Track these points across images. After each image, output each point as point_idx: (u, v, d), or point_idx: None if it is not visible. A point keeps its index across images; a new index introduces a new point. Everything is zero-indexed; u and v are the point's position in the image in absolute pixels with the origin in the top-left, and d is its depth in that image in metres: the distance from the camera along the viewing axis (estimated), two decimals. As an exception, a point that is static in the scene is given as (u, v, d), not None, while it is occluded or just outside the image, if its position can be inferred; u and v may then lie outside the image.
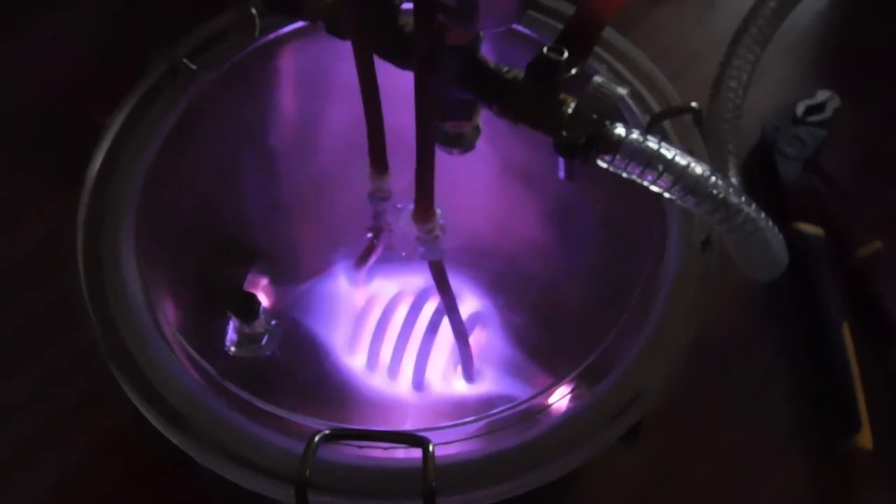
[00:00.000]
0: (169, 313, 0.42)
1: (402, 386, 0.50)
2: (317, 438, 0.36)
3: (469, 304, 0.52)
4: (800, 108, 0.64)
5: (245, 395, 0.39)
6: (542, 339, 0.50)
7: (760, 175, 0.63)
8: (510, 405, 0.39)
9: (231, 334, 0.45)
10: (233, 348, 0.45)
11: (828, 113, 0.64)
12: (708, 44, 0.68)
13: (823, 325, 0.57)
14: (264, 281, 0.52)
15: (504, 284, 0.52)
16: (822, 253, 0.60)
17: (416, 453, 0.36)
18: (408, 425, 0.50)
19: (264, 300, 0.52)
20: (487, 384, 0.50)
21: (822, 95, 0.65)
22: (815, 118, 0.64)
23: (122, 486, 0.52)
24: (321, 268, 0.52)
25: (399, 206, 0.44)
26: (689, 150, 0.43)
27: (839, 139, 0.64)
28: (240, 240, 0.52)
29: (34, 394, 0.54)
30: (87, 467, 0.52)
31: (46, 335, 0.55)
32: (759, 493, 0.53)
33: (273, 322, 0.46)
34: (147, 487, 0.51)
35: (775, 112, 0.65)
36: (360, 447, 0.37)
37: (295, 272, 0.53)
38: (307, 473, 0.35)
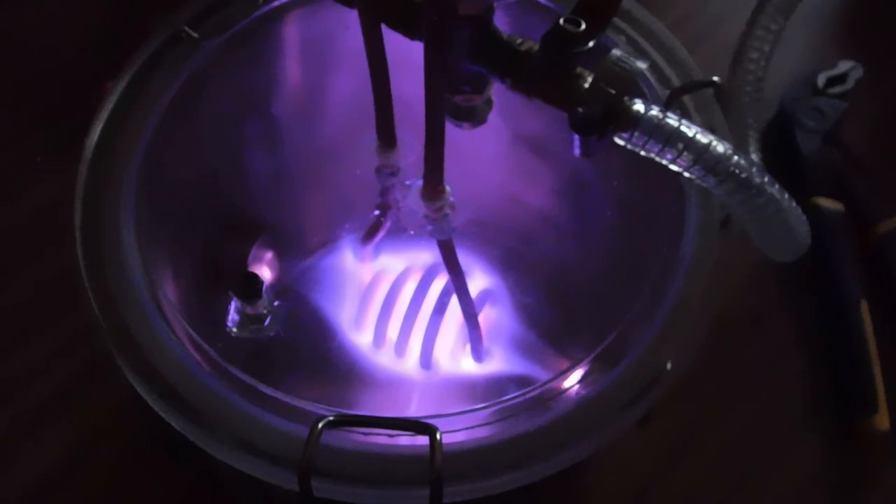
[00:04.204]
0: (170, 291, 0.41)
1: (409, 364, 0.49)
2: (321, 425, 0.34)
3: (479, 280, 0.50)
4: (821, 79, 0.63)
5: (247, 379, 0.37)
6: (554, 318, 0.49)
7: (778, 148, 0.62)
8: (521, 392, 0.38)
9: (233, 314, 0.44)
10: (234, 329, 0.44)
11: (850, 84, 0.63)
12: (728, 8, 0.67)
13: (841, 303, 0.56)
14: (269, 255, 0.51)
15: (515, 261, 0.51)
16: (840, 229, 0.58)
17: (424, 439, 0.35)
18: (414, 405, 0.49)
19: (268, 274, 0.51)
20: (496, 364, 0.49)
21: (844, 66, 0.63)
22: (836, 89, 0.62)
23: (120, 468, 0.51)
24: (327, 242, 0.51)
25: (407, 182, 0.43)
26: (709, 126, 0.42)
27: (861, 111, 0.63)
28: (244, 213, 0.51)
29: (33, 371, 0.53)
30: (86, 448, 0.51)
31: (45, 312, 0.54)
32: (771, 473, 0.53)
33: (276, 303, 0.45)
34: (147, 469, 0.50)
35: (795, 83, 0.63)
36: (366, 434, 0.36)
37: (300, 246, 0.52)
38: (311, 460, 0.34)
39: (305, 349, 0.48)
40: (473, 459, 0.35)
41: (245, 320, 0.44)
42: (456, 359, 0.49)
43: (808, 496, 0.52)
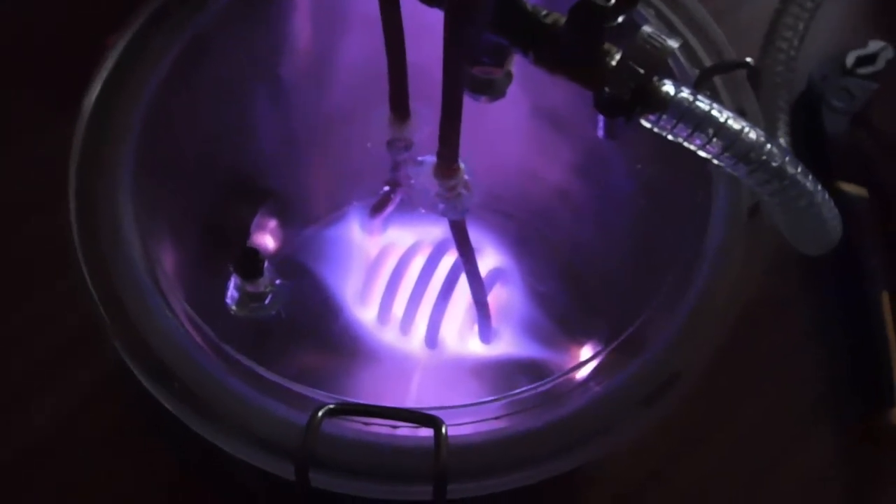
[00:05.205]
0: (167, 263, 0.39)
1: (415, 343, 0.48)
2: (320, 413, 0.33)
3: (490, 259, 0.49)
4: (850, 59, 0.60)
5: (245, 361, 0.36)
6: (568, 302, 0.48)
7: (804, 128, 0.60)
8: (533, 385, 0.36)
9: (232, 291, 0.42)
10: (234, 307, 0.42)
11: (880, 65, 0.60)
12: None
13: (861, 292, 0.55)
14: (272, 223, 0.50)
15: (530, 241, 0.50)
16: (864, 216, 0.57)
17: (428, 430, 0.33)
18: (417, 385, 0.47)
19: (271, 243, 0.49)
20: (505, 346, 0.48)
21: (874, 46, 0.61)
22: (865, 70, 0.60)
23: (112, 433, 0.49)
24: (333, 212, 0.50)
25: (420, 158, 0.41)
26: (739, 110, 0.40)
27: (890, 93, 0.60)
28: (248, 178, 0.49)
29: (23, 335, 0.51)
30: (76, 416, 0.50)
31: (39, 273, 0.52)
32: (784, 466, 0.51)
33: (278, 281, 0.43)
34: (149, 437, 0.49)
35: (823, 61, 0.61)
36: (367, 424, 0.34)
37: (305, 214, 0.51)
38: (309, 450, 0.32)
39: (308, 325, 0.47)
40: (480, 455, 0.34)
41: (245, 298, 0.42)
42: (463, 339, 0.48)
43: (821, 493, 0.51)
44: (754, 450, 0.51)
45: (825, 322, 0.55)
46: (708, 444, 0.51)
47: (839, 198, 0.55)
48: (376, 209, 0.46)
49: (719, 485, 0.50)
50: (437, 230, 0.48)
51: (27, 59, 0.60)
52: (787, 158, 0.33)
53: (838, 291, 0.56)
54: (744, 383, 0.53)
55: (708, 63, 0.42)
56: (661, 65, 0.33)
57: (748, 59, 0.40)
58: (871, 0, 0.67)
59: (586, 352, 0.47)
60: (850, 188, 0.57)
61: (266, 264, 0.42)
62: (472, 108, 0.38)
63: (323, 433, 0.33)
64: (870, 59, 0.61)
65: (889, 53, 0.61)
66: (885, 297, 0.54)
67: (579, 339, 0.47)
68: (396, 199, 0.45)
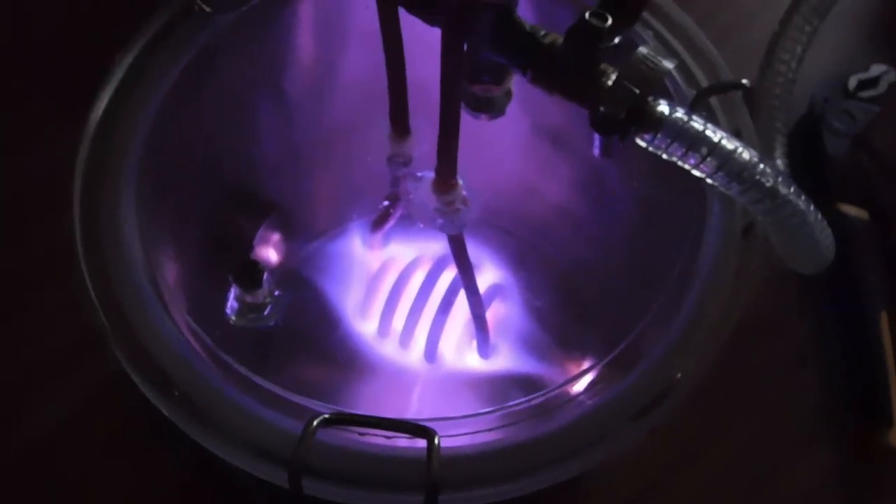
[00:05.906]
0: (169, 272, 0.39)
1: (414, 356, 0.48)
2: (315, 423, 0.33)
3: (489, 275, 0.49)
4: (852, 82, 0.61)
5: (242, 370, 0.36)
6: (565, 318, 0.48)
7: (804, 149, 0.60)
8: (527, 398, 0.36)
9: (231, 301, 0.43)
10: (233, 317, 0.43)
11: (882, 88, 0.60)
12: (761, 3, 0.65)
13: (860, 312, 0.55)
14: (275, 236, 0.50)
15: (528, 257, 0.50)
16: (864, 237, 0.57)
17: (422, 441, 0.33)
18: (416, 398, 0.48)
19: (274, 257, 0.50)
20: (503, 361, 0.48)
21: (876, 69, 0.61)
22: (867, 93, 0.60)
23: (115, 436, 0.50)
24: (335, 227, 0.51)
25: (419, 174, 0.41)
26: (735, 130, 0.41)
27: (892, 116, 0.61)
28: (251, 192, 0.50)
29: (28, 338, 0.52)
30: (79, 415, 0.50)
31: (43, 277, 0.53)
32: (778, 485, 0.51)
33: (277, 292, 0.44)
34: (141, 438, 0.49)
35: (825, 83, 0.61)
36: (364, 435, 0.34)
37: (307, 229, 0.51)
38: (302, 459, 0.33)
39: (308, 337, 0.47)
40: (473, 466, 0.34)
41: (244, 308, 0.43)
42: (461, 354, 0.48)
43: (818, 505, 0.51)
44: (750, 464, 0.51)
45: (824, 340, 0.55)
46: (704, 458, 0.51)
47: (840, 219, 0.56)
48: (377, 224, 0.46)
49: (716, 498, 0.51)
50: (438, 246, 0.48)
51: (27, 60, 0.60)
52: (779, 178, 0.34)
53: (837, 309, 0.56)
54: (742, 397, 0.53)
55: (705, 84, 0.42)
56: (657, 85, 0.33)
57: (744, 81, 0.40)
58: (873, 24, 0.67)
59: (583, 367, 0.47)
60: (850, 210, 0.57)
61: (265, 275, 0.42)
62: (472, 126, 0.39)
63: (319, 442, 0.33)
64: (872, 82, 0.61)
65: (891, 77, 0.61)
66: (884, 318, 0.54)
67: (576, 354, 0.47)
68: (396, 213, 0.45)
